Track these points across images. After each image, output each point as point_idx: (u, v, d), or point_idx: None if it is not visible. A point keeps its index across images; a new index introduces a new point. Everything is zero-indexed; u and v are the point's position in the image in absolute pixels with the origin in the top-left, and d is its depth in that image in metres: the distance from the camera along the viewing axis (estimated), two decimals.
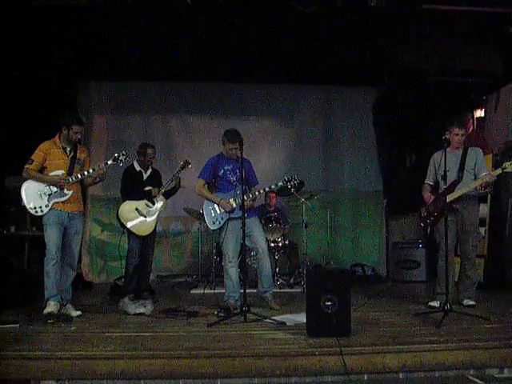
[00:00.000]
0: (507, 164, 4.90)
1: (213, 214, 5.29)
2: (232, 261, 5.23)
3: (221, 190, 5.35)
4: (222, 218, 5.24)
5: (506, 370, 3.68)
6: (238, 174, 5.25)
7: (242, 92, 8.61)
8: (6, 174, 7.05)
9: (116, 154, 5.10)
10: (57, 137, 5.00)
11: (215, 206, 5.29)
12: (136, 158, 6.04)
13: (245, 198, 5.05)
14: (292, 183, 5.36)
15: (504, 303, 5.52)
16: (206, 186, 5.44)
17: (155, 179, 6.09)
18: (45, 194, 4.85)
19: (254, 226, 5.29)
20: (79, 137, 5.00)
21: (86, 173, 4.96)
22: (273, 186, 5.40)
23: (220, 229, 5.30)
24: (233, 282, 5.23)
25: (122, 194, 6.03)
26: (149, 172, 6.09)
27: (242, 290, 4.72)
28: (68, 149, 5.01)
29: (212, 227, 5.35)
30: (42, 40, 6.27)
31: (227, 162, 5.35)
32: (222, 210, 5.24)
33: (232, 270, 5.23)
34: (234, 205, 5.19)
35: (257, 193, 5.29)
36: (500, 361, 3.67)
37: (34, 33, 6.08)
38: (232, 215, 5.20)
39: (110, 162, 5.07)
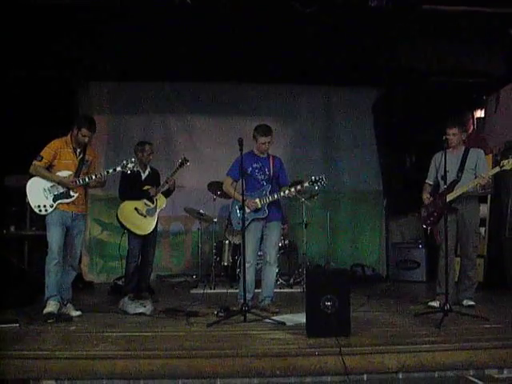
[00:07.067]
0: (505, 162, 4.88)
1: (238, 213, 5.21)
2: (250, 261, 5.15)
3: (248, 189, 5.21)
4: (247, 219, 5.11)
5: (505, 371, 3.68)
6: (267, 172, 5.25)
7: (242, 92, 8.58)
8: (6, 173, 7.04)
9: (124, 161, 5.04)
10: (68, 136, 4.99)
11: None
12: None
13: (270, 198, 5.11)
14: (319, 184, 5.19)
15: (504, 303, 5.52)
16: (235, 184, 5.28)
17: (154, 179, 6.08)
18: (50, 193, 4.82)
19: (274, 232, 5.26)
20: (86, 141, 4.98)
21: (93, 176, 4.94)
22: (298, 187, 5.18)
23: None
24: (247, 282, 5.15)
25: (119, 194, 6.01)
26: (147, 172, 6.07)
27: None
28: (78, 150, 5.00)
29: (237, 227, 5.29)
30: (42, 40, 6.23)
31: (256, 160, 5.26)
32: (248, 210, 5.12)
33: (249, 270, 5.12)
34: (260, 205, 5.14)
35: (282, 193, 5.17)
36: (499, 361, 3.68)
37: (34, 32, 6.05)
38: (257, 215, 5.16)
39: (118, 169, 5.04)
